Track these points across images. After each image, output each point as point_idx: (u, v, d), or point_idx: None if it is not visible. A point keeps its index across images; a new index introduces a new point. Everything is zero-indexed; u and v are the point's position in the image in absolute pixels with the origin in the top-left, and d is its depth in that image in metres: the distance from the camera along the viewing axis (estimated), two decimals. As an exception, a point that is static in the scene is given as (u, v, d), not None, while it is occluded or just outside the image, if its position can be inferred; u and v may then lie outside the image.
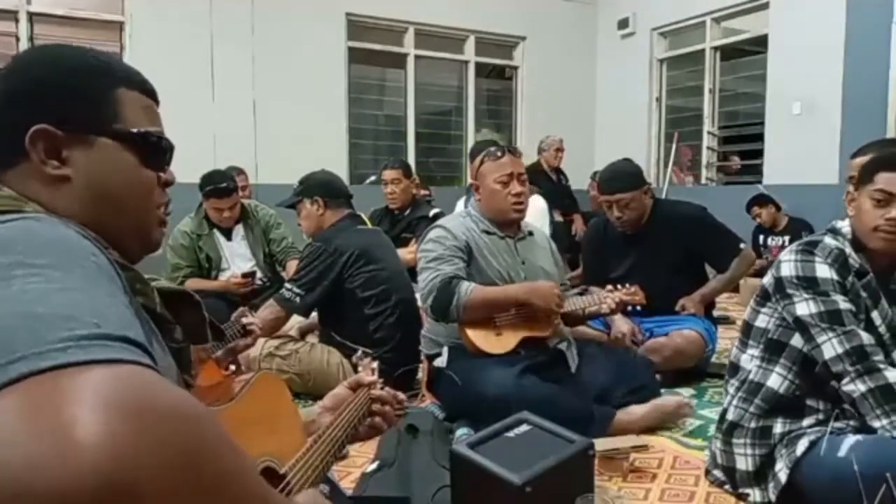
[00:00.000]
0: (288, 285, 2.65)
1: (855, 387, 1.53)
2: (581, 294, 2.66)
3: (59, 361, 0.43)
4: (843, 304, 1.58)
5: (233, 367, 2.66)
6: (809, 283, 1.61)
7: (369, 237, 2.79)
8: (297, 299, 2.59)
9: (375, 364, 1.35)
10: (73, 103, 0.75)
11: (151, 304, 0.75)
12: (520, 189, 2.41)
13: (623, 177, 2.93)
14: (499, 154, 2.43)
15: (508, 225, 2.48)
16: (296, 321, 2.93)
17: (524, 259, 2.46)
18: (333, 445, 1.03)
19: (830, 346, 1.56)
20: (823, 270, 1.60)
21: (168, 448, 0.41)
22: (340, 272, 2.60)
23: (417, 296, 2.94)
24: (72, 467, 0.37)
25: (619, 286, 2.56)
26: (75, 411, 0.40)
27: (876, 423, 1.51)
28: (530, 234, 2.58)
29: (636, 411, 2.29)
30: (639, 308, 2.67)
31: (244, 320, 1.89)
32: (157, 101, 0.85)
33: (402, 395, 1.34)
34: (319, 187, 2.77)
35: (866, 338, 1.56)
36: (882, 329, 1.63)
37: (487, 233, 2.44)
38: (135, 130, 0.78)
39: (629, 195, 2.88)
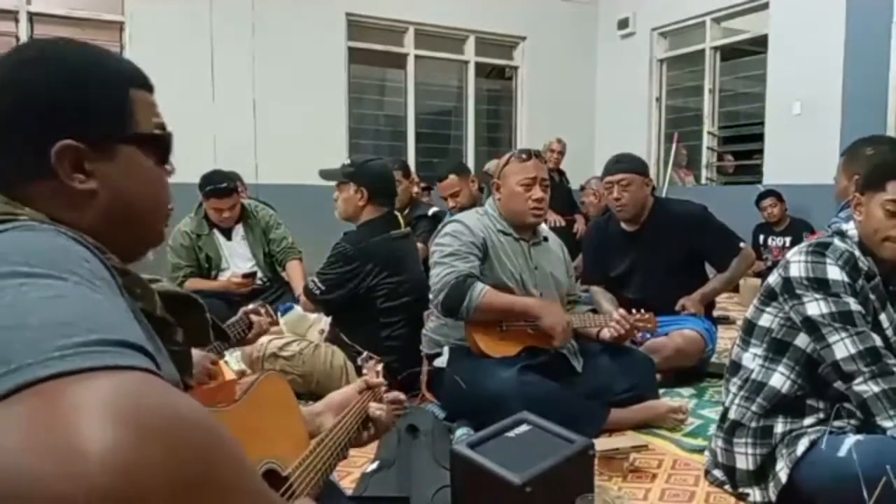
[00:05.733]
0: (314, 278, 2.70)
1: (868, 387, 1.53)
2: (593, 312, 2.63)
3: (58, 370, 0.42)
4: (855, 305, 1.58)
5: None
6: (820, 285, 1.60)
7: (399, 245, 2.74)
8: (317, 292, 2.66)
9: (380, 366, 1.34)
10: (93, 113, 0.71)
11: (151, 307, 0.73)
12: (541, 195, 2.40)
13: (627, 159, 3.02)
14: (524, 157, 2.43)
15: (525, 228, 2.48)
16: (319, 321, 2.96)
17: (536, 265, 2.46)
18: (336, 448, 1.03)
19: (843, 346, 1.56)
20: (835, 272, 1.60)
21: (176, 459, 0.40)
22: (361, 282, 2.61)
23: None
24: (78, 481, 0.37)
25: (633, 311, 2.51)
26: (78, 422, 0.39)
27: (887, 424, 1.51)
28: (545, 239, 2.58)
29: (630, 409, 2.31)
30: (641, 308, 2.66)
31: (254, 318, 1.91)
32: (152, 90, 0.80)
33: (402, 396, 1.34)
34: (370, 179, 2.67)
35: (878, 340, 1.56)
36: (889, 332, 1.63)
37: (504, 233, 2.43)
38: (152, 132, 0.76)
39: (630, 176, 2.92)
